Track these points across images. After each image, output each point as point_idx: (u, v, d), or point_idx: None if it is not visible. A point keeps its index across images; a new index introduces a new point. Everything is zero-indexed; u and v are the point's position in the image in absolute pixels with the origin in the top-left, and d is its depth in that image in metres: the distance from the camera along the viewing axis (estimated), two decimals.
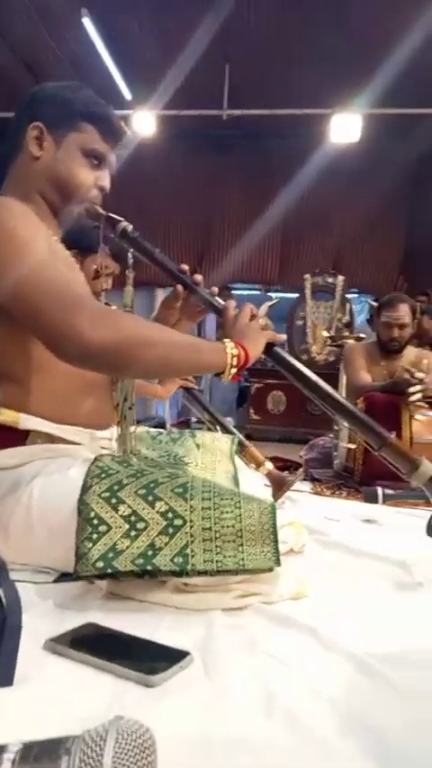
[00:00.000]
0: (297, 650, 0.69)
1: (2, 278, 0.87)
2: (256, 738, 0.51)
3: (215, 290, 1.16)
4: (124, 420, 1.10)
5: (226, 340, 0.97)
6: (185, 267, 1.13)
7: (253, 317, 1.05)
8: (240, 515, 0.81)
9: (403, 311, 2.49)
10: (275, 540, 0.81)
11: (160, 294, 5.79)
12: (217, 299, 1.13)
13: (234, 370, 0.94)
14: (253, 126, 5.33)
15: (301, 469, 2.12)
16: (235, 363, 0.94)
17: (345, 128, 4.86)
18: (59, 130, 1.02)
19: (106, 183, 1.07)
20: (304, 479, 2.28)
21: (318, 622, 0.76)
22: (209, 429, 2.04)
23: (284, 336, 1.08)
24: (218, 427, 2.01)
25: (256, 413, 5.18)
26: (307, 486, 2.19)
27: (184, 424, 4.94)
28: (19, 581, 0.71)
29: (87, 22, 4.40)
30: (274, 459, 2.70)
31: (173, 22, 4.49)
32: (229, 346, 0.95)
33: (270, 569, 0.81)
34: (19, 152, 1.04)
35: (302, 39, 4.60)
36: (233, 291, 5.80)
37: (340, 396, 1.06)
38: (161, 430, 1.42)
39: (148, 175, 5.36)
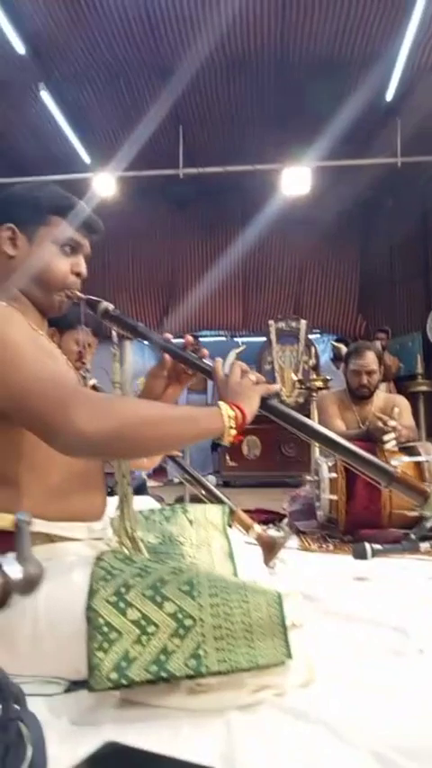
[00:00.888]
0: (317, 747, 0.71)
1: None
2: None
3: (190, 338, 1.18)
4: (126, 499, 1.10)
5: (220, 402, 0.99)
6: (169, 336, 1.17)
7: (243, 372, 1.07)
8: (249, 609, 0.83)
9: (370, 358, 2.60)
10: (285, 633, 0.82)
11: (128, 346, 5.83)
12: (205, 361, 1.15)
13: (233, 432, 0.97)
14: (209, 182, 5.56)
15: (285, 524, 2.14)
16: (233, 425, 0.97)
17: (295, 180, 5.12)
18: (31, 228, 1.07)
19: (82, 268, 1.11)
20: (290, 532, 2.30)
21: (333, 713, 0.78)
22: (190, 489, 2.04)
23: (278, 386, 1.13)
24: (202, 491, 2.03)
25: (232, 459, 5.20)
26: (294, 540, 2.21)
27: (161, 479, 4.92)
28: (30, 695, 0.71)
29: (45, 95, 4.56)
30: (257, 512, 2.72)
31: (128, 90, 4.70)
32: (225, 409, 0.97)
33: (282, 663, 0.83)
34: None
35: (250, 100, 4.88)
36: (199, 339, 5.90)
37: (342, 439, 1.08)
38: (153, 508, 1.43)
39: (110, 234, 5.43)
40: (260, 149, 5.15)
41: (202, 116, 5.07)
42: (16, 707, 0.63)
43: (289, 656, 0.82)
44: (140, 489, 2.57)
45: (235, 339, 6.34)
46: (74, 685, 0.89)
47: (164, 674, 0.78)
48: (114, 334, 1.19)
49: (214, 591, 0.85)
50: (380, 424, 2.29)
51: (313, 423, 1.17)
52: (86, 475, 1.10)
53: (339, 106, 4.36)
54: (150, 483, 4.19)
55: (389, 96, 4.70)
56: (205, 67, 4.36)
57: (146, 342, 1.22)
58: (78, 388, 1.06)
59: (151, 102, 4.58)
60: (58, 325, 1.80)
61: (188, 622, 0.81)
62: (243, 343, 5.50)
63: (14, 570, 0.37)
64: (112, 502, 1.16)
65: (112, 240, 5.73)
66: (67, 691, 0.88)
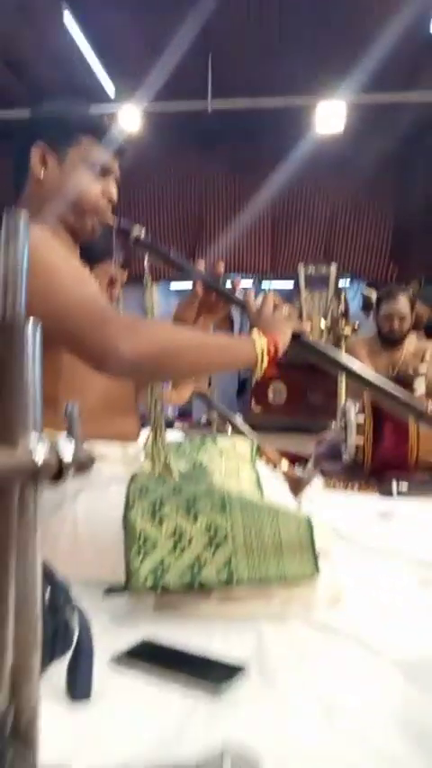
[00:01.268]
0: (345, 657, 0.74)
1: (35, 300, 0.90)
2: (325, 751, 0.55)
3: (221, 266, 1.17)
4: (158, 425, 1.13)
5: (253, 333, 1.00)
6: (202, 264, 1.16)
7: (276, 306, 1.07)
8: (279, 530, 0.85)
9: (402, 303, 2.54)
10: (314, 552, 0.85)
11: (155, 290, 5.79)
12: (239, 290, 1.15)
13: (266, 364, 0.98)
14: (238, 118, 5.32)
15: (310, 464, 2.17)
16: (265, 356, 0.98)
17: (329, 116, 4.88)
18: (60, 148, 1.05)
19: (113, 192, 1.10)
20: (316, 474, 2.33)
21: (360, 629, 0.80)
22: (218, 429, 2.08)
23: (308, 324, 1.13)
24: (229, 427, 2.06)
25: (257, 404, 5.23)
26: (319, 480, 2.24)
27: (187, 420, 4.99)
28: None
29: (69, 18, 4.36)
30: (282, 454, 2.74)
31: (155, 14, 4.46)
32: (258, 339, 0.99)
33: (310, 575, 0.86)
34: (27, 177, 1.07)
35: (285, 27, 4.59)
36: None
37: (374, 375, 1.09)
38: (181, 439, 1.46)
39: (135, 171, 5.35)
40: (294, 82, 4.88)
41: (232, 45, 4.80)
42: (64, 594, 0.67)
43: (317, 570, 0.85)
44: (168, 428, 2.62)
45: (262, 287, 6.23)
46: (110, 590, 0.93)
47: (196, 583, 0.81)
48: (146, 263, 1.18)
49: (246, 509, 0.87)
50: (410, 370, 2.25)
51: (344, 357, 1.16)
52: (120, 398, 1.12)
53: (381, 35, 4.08)
54: (177, 425, 4.27)
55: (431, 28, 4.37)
56: None
57: (177, 269, 1.21)
58: (115, 311, 1.07)
59: (179, 28, 4.34)
60: (88, 257, 1.79)
61: (220, 536, 0.84)
62: (270, 290, 5.41)
63: (68, 451, 0.38)
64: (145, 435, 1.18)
65: (137, 179, 5.59)
66: (106, 592, 0.93)
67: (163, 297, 5.89)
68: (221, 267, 1.19)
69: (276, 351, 1.02)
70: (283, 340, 1.04)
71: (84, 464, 0.41)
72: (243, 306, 1.15)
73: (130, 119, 4.93)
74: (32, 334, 0.43)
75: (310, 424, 4.71)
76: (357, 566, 1.12)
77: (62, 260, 0.99)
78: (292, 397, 5.09)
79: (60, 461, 0.39)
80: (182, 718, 0.60)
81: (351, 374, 1.15)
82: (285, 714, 0.60)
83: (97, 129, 1.06)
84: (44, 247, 0.96)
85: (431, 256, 5.94)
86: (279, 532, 0.85)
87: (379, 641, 0.76)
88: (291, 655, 0.74)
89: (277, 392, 5.14)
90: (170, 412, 4.47)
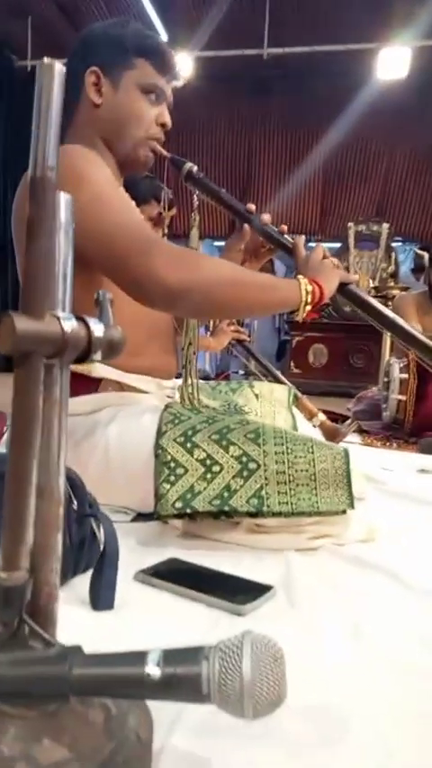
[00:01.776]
0: (377, 586, 0.72)
1: (78, 223, 0.88)
2: (350, 663, 0.54)
3: (284, 227, 1.14)
4: (190, 365, 1.12)
5: (300, 276, 0.98)
6: (252, 207, 1.13)
7: (325, 256, 1.04)
8: (314, 459, 0.83)
9: None
10: (349, 485, 0.82)
11: (202, 247, 5.72)
12: (286, 236, 1.12)
13: (309, 307, 0.95)
14: (295, 65, 5.07)
15: (353, 421, 2.12)
16: (310, 300, 0.95)
17: (392, 62, 4.57)
18: (115, 71, 1.01)
19: (167, 118, 1.06)
20: (353, 432, 2.29)
21: (392, 563, 0.78)
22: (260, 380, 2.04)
23: (357, 277, 1.09)
24: (269, 379, 2.03)
25: (297, 366, 5.15)
26: (356, 438, 2.20)
27: (225, 378, 4.98)
28: None
29: None
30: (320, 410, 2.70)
31: None
32: (304, 282, 0.96)
33: (344, 512, 0.84)
34: (78, 101, 1.03)
35: None
36: None
37: (418, 332, 1.05)
38: (219, 381, 1.44)
39: (186, 121, 5.21)
40: (354, 26, 4.58)
41: None
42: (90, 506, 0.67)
43: (351, 506, 0.82)
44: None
45: (309, 243, 6.05)
46: (140, 516, 0.94)
47: (227, 508, 0.80)
48: (196, 199, 1.14)
49: (280, 440, 0.85)
50: None
51: (390, 312, 1.11)
52: (159, 334, 1.11)
53: None
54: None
55: None
56: None
57: (228, 209, 1.17)
58: (161, 239, 1.04)
59: None
60: (133, 198, 1.76)
61: (252, 465, 0.83)
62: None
63: (98, 328, 0.36)
64: None
65: (186, 128, 5.44)
66: (134, 520, 0.94)
67: (207, 252, 5.81)
68: (285, 228, 1.16)
69: (322, 295, 0.99)
70: (330, 286, 1.02)
71: (115, 344, 0.40)
72: (291, 251, 1.11)
73: (183, 66, 4.76)
74: (65, 209, 0.41)
75: (351, 388, 4.62)
76: (392, 511, 1.09)
77: (110, 184, 0.96)
78: (332, 360, 4.99)
79: (90, 337, 0.38)
80: (203, 632, 0.60)
81: (395, 329, 1.10)
82: (310, 632, 0.59)
83: (153, 53, 1.02)
84: (90, 168, 0.94)
85: None
86: (314, 463, 0.82)
87: (410, 576, 0.74)
88: (319, 582, 0.72)
89: (318, 355, 5.04)
90: (208, 367, 4.46)
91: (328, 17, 4.69)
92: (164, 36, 5.10)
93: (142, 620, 0.62)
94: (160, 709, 0.44)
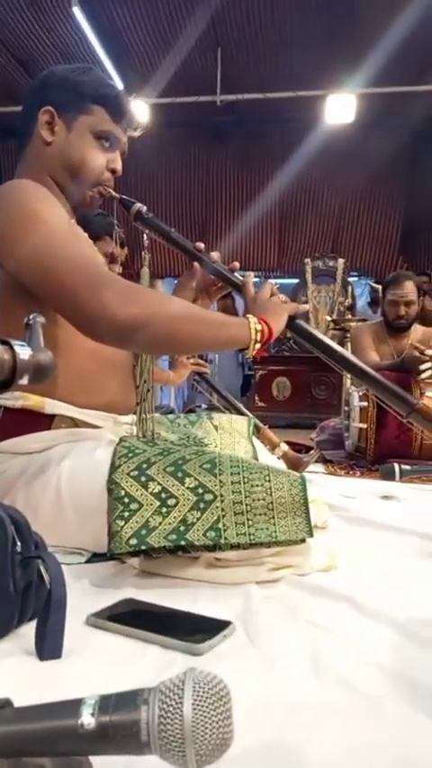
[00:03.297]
0: (337, 617, 0.70)
1: (26, 259, 0.87)
2: (310, 699, 0.51)
3: (236, 265, 1.16)
4: (144, 402, 1.10)
5: (249, 315, 0.98)
6: (201, 246, 1.14)
7: (273, 292, 1.05)
8: (270, 488, 0.81)
9: (409, 288, 2.50)
10: (307, 512, 0.81)
11: (159, 285, 5.77)
12: (236, 275, 1.13)
13: (258, 345, 0.95)
14: (248, 110, 5.29)
15: (315, 451, 2.12)
16: (259, 338, 0.95)
17: (339, 108, 4.82)
18: (70, 114, 1.02)
19: (118, 165, 1.07)
20: (317, 461, 2.29)
21: (353, 591, 0.76)
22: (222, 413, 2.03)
23: (307, 306, 1.10)
24: (231, 411, 2.02)
25: (261, 400, 5.17)
26: (320, 467, 2.20)
27: (191, 412, 4.95)
28: None
29: (78, 12, 4.35)
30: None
31: (163, 9, 4.44)
32: (253, 321, 0.96)
33: (303, 541, 0.82)
34: (30, 138, 1.04)
35: (294, 20, 4.55)
36: None
37: (366, 366, 1.06)
38: (178, 414, 1.42)
39: (142, 165, 5.34)
40: (303, 75, 4.83)
41: (242, 38, 4.76)
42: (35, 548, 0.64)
43: (310, 534, 0.81)
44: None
45: (269, 280, 6.18)
46: (95, 557, 0.90)
47: (183, 543, 0.78)
48: (145, 238, 1.15)
49: (236, 470, 0.83)
50: (416, 353, 2.21)
51: (336, 346, 1.13)
52: (116, 366, 1.09)
53: (390, 27, 4.02)
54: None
55: None
56: None
57: (177, 248, 1.18)
58: (112, 274, 1.04)
59: (188, 22, 4.32)
60: (88, 234, 1.77)
61: (208, 497, 0.80)
62: (277, 283, 5.36)
63: (24, 351, 0.35)
64: None
65: (144, 172, 5.56)
66: (89, 561, 0.89)
67: (168, 291, 5.86)
68: (236, 266, 1.18)
69: (271, 334, 0.99)
70: (278, 324, 1.02)
71: (43, 368, 0.38)
72: (240, 289, 1.12)
73: (138, 113, 4.89)
74: None
75: (314, 419, 4.66)
76: (354, 538, 1.08)
77: (60, 218, 0.96)
78: (296, 393, 5.03)
79: (15, 361, 0.36)
80: (157, 676, 0.56)
81: (343, 362, 1.11)
82: (270, 668, 0.57)
83: (110, 101, 1.03)
84: (40, 201, 0.94)
85: None
86: (271, 491, 0.81)
87: (374, 604, 0.72)
88: (279, 615, 0.70)
89: (282, 388, 5.08)
90: (173, 403, 4.44)
91: (278, 65, 4.94)
92: (119, 85, 5.26)
93: (92, 668, 0.58)
94: (105, 766, 0.41)
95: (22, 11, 4.42)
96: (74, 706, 0.33)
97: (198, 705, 0.31)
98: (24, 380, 0.34)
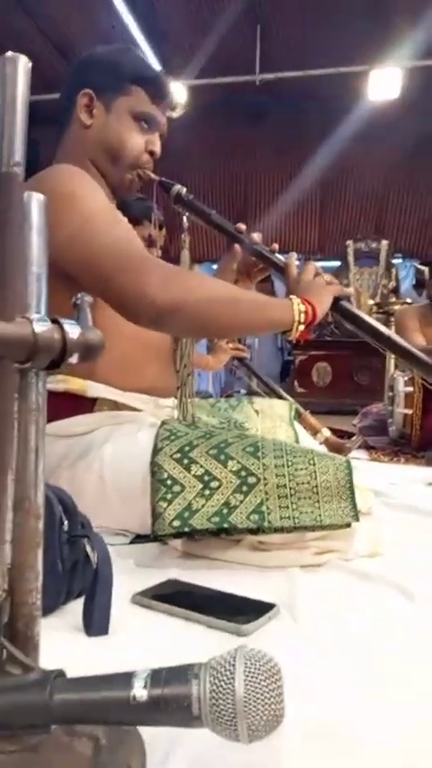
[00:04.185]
0: (384, 603, 0.69)
1: (68, 244, 0.88)
2: (361, 682, 0.51)
3: (275, 246, 1.14)
4: (184, 386, 1.10)
5: (292, 296, 0.96)
6: (243, 227, 1.12)
7: (317, 273, 1.03)
8: (315, 471, 0.80)
9: None
10: (353, 496, 0.80)
11: (196, 269, 5.77)
12: (278, 256, 1.11)
13: (302, 327, 0.94)
14: (287, 90, 5.16)
15: (357, 436, 2.09)
16: (303, 320, 0.94)
17: (383, 84, 4.66)
18: (109, 96, 1.01)
19: (157, 147, 1.06)
20: (359, 447, 2.25)
21: (399, 578, 0.75)
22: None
23: (352, 290, 1.07)
24: (272, 396, 2.00)
25: (301, 385, 5.12)
26: (363, 454, 2.16)
27: (229, 398, 4.95)
28: None
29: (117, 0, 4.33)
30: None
31: None
32: (296, 302, 0.95)
33: (348, 525, 0.80)
34: (70, 121, 1.04)
35: None
36: None
37: (412, 347, 1.03)
38: (218, 398, 1.42)
39: (181, 147, 5.29)
40: (346, 50, 4.68)
41: (281, 14, 4.65)
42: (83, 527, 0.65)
43: (356, 518, 0.79)
44: None
45: (312, 262, 6.07)
46: (138, 539, 0.91)
47: (226, 525, 0.78)
48: (185, 221, 1.14)
49: (279, 453, 0.83)
50: None
51: (383, 328, 1.09)
52: (157, 350, 1.10)
53: None
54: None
55: None
56: None
57: (218, 230, 1.17)
58: (152, 257, 1.04)
59: (228, 1, 4.25)
60: (127, 218, 1.77)
61: (251, 480, 0.80)
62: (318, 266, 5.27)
63: (74, 330, 0.35)
64: None
65: (183, 154, 5.53)
66: (131, 542, 0.91)
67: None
68: (276, 247, 1.16)
69: (315, 315, 0.97)
70: (323, 305, 1.00)
71: (93, 347, 0.38)
72: (283, 270, 1.10)
73: (176, 95, 4.87)
74: (37, 210, 0.39)
75: (356, 406, 4.58)
76: (399, 525, 1.06)
77: (99, 201, 0.96)
78: (337, 379, 4.96)
79: (64, 339, 0.36)
80: (203, 655, 0.56)
81: (390, 344, 1.08)
82: (315, 650, 0.56)
83: (149, 81, 1.02)
84: (81, 186, 0.94)
85: None
86: (315, 475, 0.79)
87: (417, 590, 0.70)
88: (324, 599, 0.69)
89: (322, 373, 5.01)
90: (211, 388, 4.44)
91: (318, 41, 4.80)
92: (157, 66, 5.24)
93: (138, 645, 0.59)
94: (154, 737, 0.41)
95: None
96: (126, 678, 0.33)
97: (250, 681, 0.31)
98: (74, 359, 0.35)
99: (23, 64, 0.33)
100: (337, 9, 4.50)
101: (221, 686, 0.31)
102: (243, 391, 3.41)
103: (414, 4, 3.99)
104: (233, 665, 0.31)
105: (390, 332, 1.06)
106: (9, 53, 0.33)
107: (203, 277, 0.99)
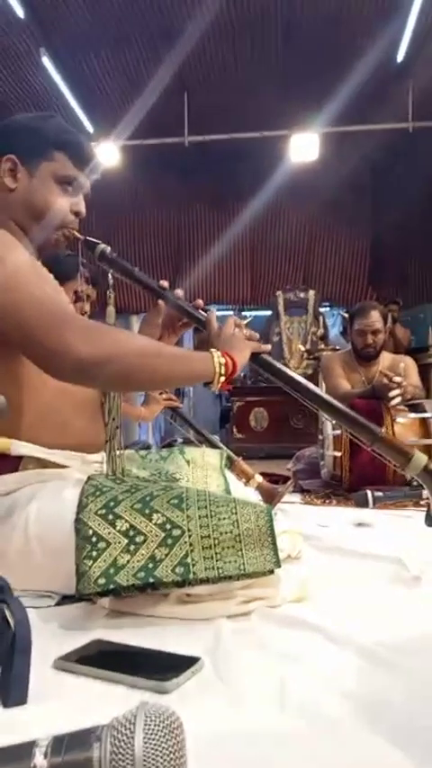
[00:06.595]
0: (307, 647, 0.70)
1: None
2: (273, 730, 0.52)
3: (200, 302, 1.19)
4: (113, 440, 1.11)
5: (212, 350, 1.00)
6: (165, 283, 1.17)
7: (238, 326, 1.08)
8: (237, 520, 0.82)
9: (375, 317, 2.56)
10: (274, 543, 0.82)
11: (135, 321, 5.82)
12: (200, 311, 1.16)
13: (222, 379, 0.97)
14: (215, 150, 5.46)
15: (290, 481, 2.13)
16: (223, 372, 0.97)
17: (303, 146, 5.01)
18: (32, 161, 1.05)
19: (81, 207, 1.10)
20: (293, 491, 2.29)
21: (324, 621, 0.77)
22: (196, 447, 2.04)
23: (269, 346, 1.12)
24: (205, 445, 2.02)
25: (240, 431, 5.19)
26: (297, 497, 2.21)
27: (168, 447, 4.93)
28: None
29: (46, 61, 4.49)
30: (261, 475, 2.70)
31: (131, 55, 4.62)
32: (216, 355, 0.98)
33: (271, 572, 0.82)
34: None
35: (257, 63, 4.77)
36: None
37: (328, 396, 1.08)
38: (150, 450, 1.43)
39: (114, 205, 5.45)
40: (267, 115, 5.04)
41: (207, 82, 4.97)
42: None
43: (278, 565, 0.82)
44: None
45: (242, 313, 6.28)
46: (65, 600, 0.89)
47: (152, 580, 0.78)
48: (110, 277, 1.18)
49: (203, 504, 0.84)
50: (385, 380, 2.26)
51: (300, 378, 1.14)
52: (84, 404, 1.10)
53: (348, 68, 4.24)
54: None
55: (400, 56, 4.55)
56: (210, 30, 4.26)
57: (141, 286, 1.21)
58: (75, 313, 1.06)
59: (156, 68, 4.50)
60: (57, 275, 1.79)
61: (176, 532, 0.81)
62: (250, 316, 5.46)
63: None
64: None
65: (116, 212, 5.67)
66: (58, 604, 0.89)
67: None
68: (200, 303, 1.20)
69: (235, 367, 1.01)
70: (242, 358, 1.04)
71: None
72: (204, 324, 1.15)
73: (108, 154, 5.03)
74: None
75: (293, 449, 4.67)
76: (327, 567, 1.09)
77: (23, 260, 0.98)
78: (273, 423, 5.07)
79: None
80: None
81: (307, 393, 1.12)
82: (237, 704, 0.57)
83: (71, 147, 1.06)
84: (5, 247, 0.96)
85: (408, 280, 6.06)
86: (238, 523, 0.81)
87: (343, 632, 0.73)
88: (248, 648, 0.70)
89: (259, 419, 5.11)
90: (151, 438, 4.41)
91: (243, 106, 5.14)
92: (89, 128, 5.41)
93: (58, 711, 0.58)
94: None
95: None
96: (27, 748, 0.33)
97: (149, 738, 0.32)
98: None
99: None
100: (256, 79, 4.86)
101: (121, 747, 0.32)
102: (179, 440, 3.42)
103: (326, 75, 4.37)
104: (133, 723, 0.32)
105: (305, 381, 1.10)
106: None
107: (125, 332, 1.02)
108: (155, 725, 0.33)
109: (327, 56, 4.40)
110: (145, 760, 0.31)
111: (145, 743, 0.32)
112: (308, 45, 4.45)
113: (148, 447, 2.87)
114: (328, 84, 4.36)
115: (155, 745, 0.32)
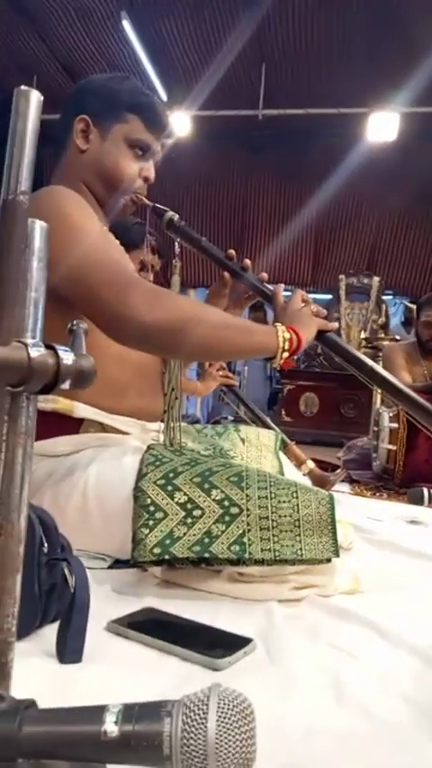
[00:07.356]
0: (359, 642, 0.68)
1: (58, 262, 0.88)
2: (331, 725, 0.50)
3: (264, 275, 1.16)
4: (171, 410, 1.10)
5: (278, 324, 0.97)
6: (233, 253, 1.14)
7: (305, 302, 1.04)
8: (298, 505, 0.80)
9: None
10: (334, 531, 0.80)
11: (192, 295, 5.82)
12: (266, 284, 1.13)
13: (286, 354, 0.94)
14: (288, 126, 5.31)
15: (341, 469, 2.09)
16: (287, 347, 0.94)
17: (381, 126, 4.80)
18: (105, 122, 1.03)
19: (151, 173, 1.08)
20: (343, 481, 2.25)
21: (377, 616, 0.75)
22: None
23: (336, 325, 1.08)
24: (258, 424, 2.01)
25: (288, 414, 5.13)
26: (345, 486, 2.16)
27: (216, 423, 4.94)
28: None
29: (127, 25, 4.46)
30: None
31: (210, 23, 4.52)
32: (281, 329, 0.96)
33: (328, 560, 0.80)
34: (66, 145, 1.06)
35: (340, 37, 4.57)
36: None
37: (398, 382, 1.04)
38: (205, 424, 1.42)
39: (182, 176, 5.40)
40: (347, 92, 4.84)
41: (286, 54, 4.81)
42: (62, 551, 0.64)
43: (336, 554, 0.79)
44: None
45: (300, 290, 6.15)
46: (117, 564, 0.90)
47: (207, 555, 0.77)
48: (177, 246, 1.16)
49: (263, 484, 0.83)
50: None
51: (368, 360, 1.10)
52: (145, 373, 1.10)
53: None
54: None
55: None
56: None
57: (208, 257, 1.19)
58: (141, 278, 1.05)
59: (235, 37, 4.39)
60: (123, 242, 1.79)
61: (234, 510, 0.80)
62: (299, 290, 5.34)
63: (67, 356, 0.35)
64: None
65: (184, 183, 5.63)
66: (111, 567, 0.90)
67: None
68: (265, 276, 1.18)
69: (300, 343, 0.98)
70: (308, 334, 1.01)
71: (85, 374, 0.38)
72: (270, 298, 1.12)
73: (180, 124, 4.98)
74: (39, 236, 0.40)
75: (341, 438, 4.59)
76: (380, 562, 1.06)
77: (90, 222, 0.97)
78: (323, 410, 4.98)
79: (58, 365, 0.36)
80: (175, 688, 0.56)
81: (374, 376, 1.08)
82: (289, 690, 0.56)
83: (145, 110, 1.04)
84: (74, 207, 0.95)
85: None
86: (298, 508, 0.80)
87: (397, 631, 0.70)
88: (301, 636, 0.69)
89: (309, 404, 5.03)
90: (199, 413, 4.44)
91: (321, 81, 4.96)
92: (163, 96, 5.36)
93: (111, 675, 0.58)
94: None
95: (72, 22, 4.55)
96: (97, 712, 0.33)
97: (223, 722, 0.31)
98: (66, 385, 0.35)
99: (36, 98, 0.34)
100: (338, 51, 4.66)
101: (194, 726, 0.31)
102: (230, 417, 3.41)
103: (412, 51, 4.14)
104: (206, 705, 0.31)
105: (373, 363, 1.06)
106: (23, 87, 0.34)
107: (190, 300, 1.01)
108: (228, 708, 0.31)
109: (412, 32, 4.16)
110: (217, 742, 0.30)
111: (218, 725, 0.31)
112: (398, 19, 4.22)
113: (197, 421, 2.88)
114: (412, 62, 4.13)
115: (228, 728, 0.31)
